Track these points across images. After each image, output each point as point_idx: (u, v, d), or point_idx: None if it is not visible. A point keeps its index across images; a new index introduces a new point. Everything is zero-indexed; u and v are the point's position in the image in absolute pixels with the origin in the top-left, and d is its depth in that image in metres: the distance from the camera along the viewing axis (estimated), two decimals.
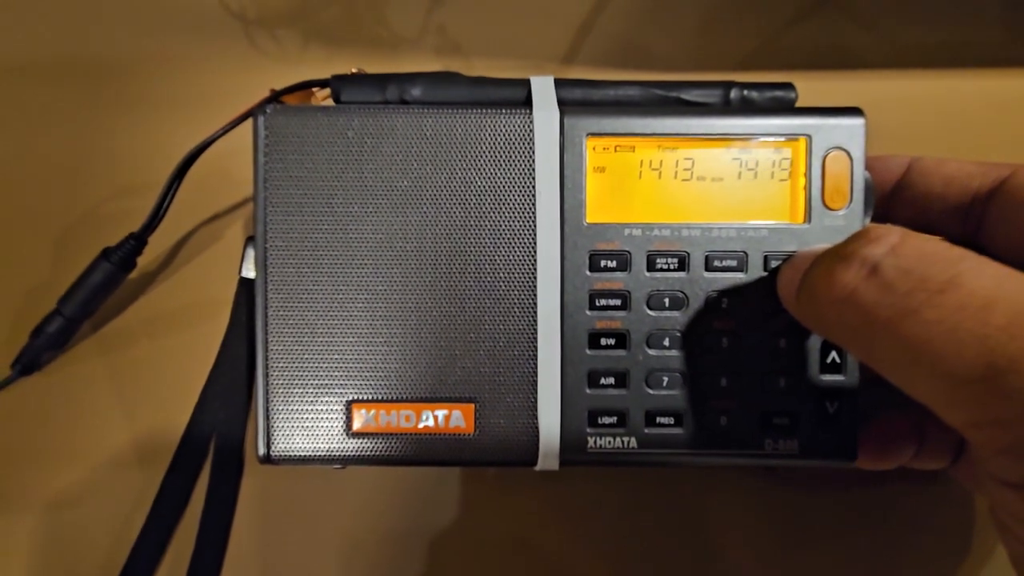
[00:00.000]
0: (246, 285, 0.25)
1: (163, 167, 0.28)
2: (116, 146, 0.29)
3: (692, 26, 0.30)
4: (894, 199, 0.21)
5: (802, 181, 0.20)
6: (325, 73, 0.28)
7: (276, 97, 0.21)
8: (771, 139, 0.20)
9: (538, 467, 0.20)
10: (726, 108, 0.21)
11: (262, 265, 0.20)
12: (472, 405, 0.20)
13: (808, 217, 0.20)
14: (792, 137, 0.20)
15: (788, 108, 0.21)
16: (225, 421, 0.24)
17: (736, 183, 0.20)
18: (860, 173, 0.20)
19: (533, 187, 0.20)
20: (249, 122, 0.20)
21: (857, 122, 0.20)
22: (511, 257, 0.20)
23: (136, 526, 0.24)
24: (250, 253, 0.25)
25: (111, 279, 0.23)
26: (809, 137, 0.20)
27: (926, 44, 0.30)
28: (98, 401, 0.25)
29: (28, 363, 0.25)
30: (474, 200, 0.20)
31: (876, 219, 0.22)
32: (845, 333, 0.16)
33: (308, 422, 0.20)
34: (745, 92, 0.21)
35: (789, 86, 0.21)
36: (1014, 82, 0.29)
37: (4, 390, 0.25)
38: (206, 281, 0.27)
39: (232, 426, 0.24)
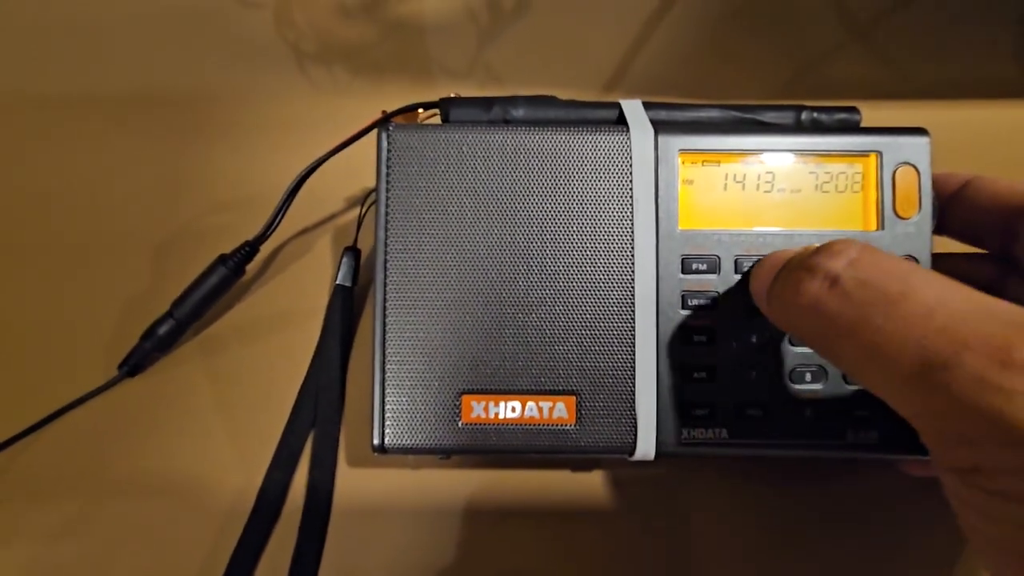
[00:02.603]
0: (341, 292, 0.27)
1: (247, 188, 0.30)
2: (205, 169, 0.31)
3: (724, 63, 0.33)
4: (947, 210, 0.23)
5: (874, 193, 0.22)
6: (374, 102, 0.30)
7: (388, 117, 0.23)
8: (844, 155, 0.22)
9: (635, 457, 0.21)
10: (798, 128, 0.23)
11: (382, 267, 0.21)
12: (574, 397, 0.21)
13: (881, 225, 0.22)
14: (863, 153, 0.22)
15: (853, 128, 0.23)
16: (322, 419, 0.26)
17: (813, 194, 0.22)
18: (928, 185, 0.22)
19: (631, 197, 0.21)
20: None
21: (923, 140, 0.22)
22: (611, 260, 0.21)
23: (236, 526, 0.25)
24: (346, 262, 0.27)
25: (225, 283, 0.25)
26: (880, 153, 0.22)
27: (943, 79, 0.32)
28: (198, 402, 0.27)
29: (135, 365, 0.26)
30: (576, 209, 0.22)
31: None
32: (811, 336, 0.18)
33: (420, 413, 0.21)
34: (815, 114, 0.23)
35: (854, 109, 0.24)
36: None
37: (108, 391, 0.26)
38: (298, 290, 0.29)
39: (328, 425, 0.26)
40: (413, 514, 0.25)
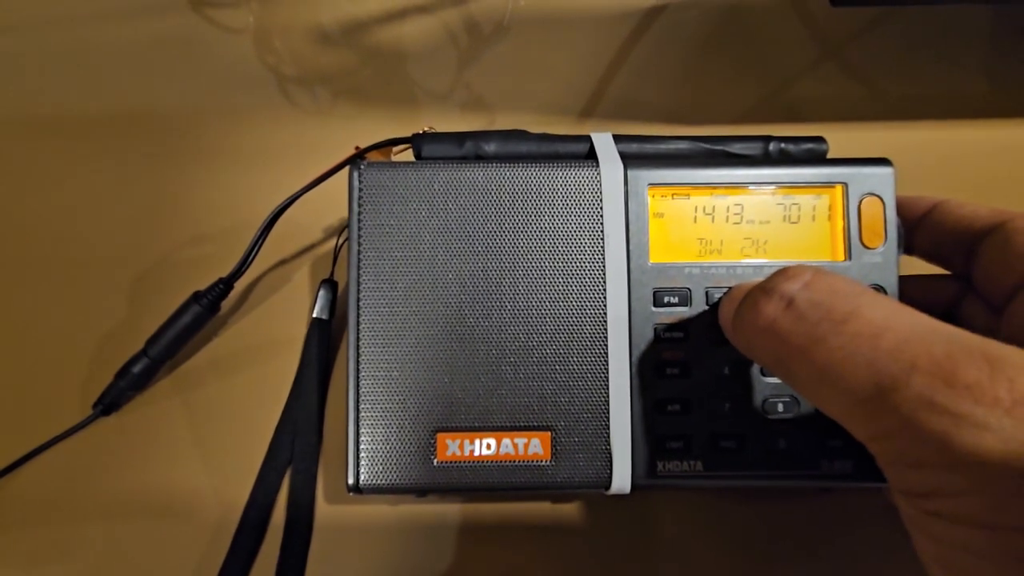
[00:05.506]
0: (318, 325, 0.27)
1: (228, 217, 0.30)
2: (184, 196, 0.31)
3: (698, 83, 0.33)
4: (915, 233, 0.23)
5: (841, 223, 0.22)
6: (356, 126, 0.29)
7: (361, 154, 0.24)
8: (811, 186, 0.22)
9: (611, 491, 0.21)
10: (766, 159, 0.23)
11: (355, 303, 0.21)
12: (549, 433, 0.21)
13: (848, 255, 0.22)
14: (829, 185, 0.22)
15: (820, 158, 0.23)
16: (299, 456, 0.26)
17: (781, 225, 0.22)
18: (893, 215, 0.22)
19: (602, 232, 0.22)
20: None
21: (887, 171, 0.22)
22: (583, 295, 0.22)
23: (214, 563, 0.25)
24: (322, 295, 0.27)
25: (199, 321, 0.25)
26: (845, 185, 0.22)
27: (915, 97, 0.33)
28: (175, 440, 0.27)
29: (110, 403, 0.26)
30: (548, 244, 0.22)
31: None
32: (769, 358, 0.18)
33: (395, 452, 0.21)
34: (782, 145, 0.24)
35: (820, 139, 0.24)
36: (997, 132, 0.32)
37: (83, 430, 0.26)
38: (275, 323, 0.28)
39: (306, 461, 0.26)
40: (391, 549, 0.25)
